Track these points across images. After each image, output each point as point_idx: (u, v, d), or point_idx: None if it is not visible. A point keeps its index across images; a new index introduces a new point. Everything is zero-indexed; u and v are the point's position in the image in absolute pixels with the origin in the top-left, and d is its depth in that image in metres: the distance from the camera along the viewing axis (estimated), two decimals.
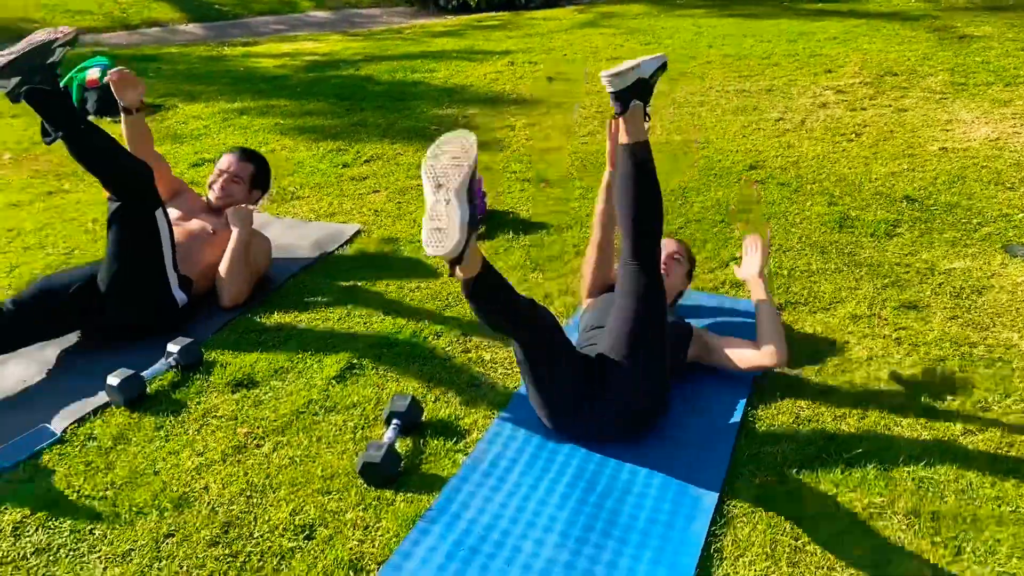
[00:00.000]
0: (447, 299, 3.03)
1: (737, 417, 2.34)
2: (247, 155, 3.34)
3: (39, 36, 2.53)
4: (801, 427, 2.31)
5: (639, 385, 2.17)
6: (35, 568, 1.87)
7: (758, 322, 2.47)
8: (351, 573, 1.85)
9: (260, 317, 2.94)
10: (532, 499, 2.06)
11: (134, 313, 2.78)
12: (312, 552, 1.91)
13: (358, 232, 3.63)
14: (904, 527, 1.96)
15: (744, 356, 2.43)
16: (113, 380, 2.41)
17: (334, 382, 2.55)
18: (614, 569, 1.85)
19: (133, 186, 2.68)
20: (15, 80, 2.41)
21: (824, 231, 3.52)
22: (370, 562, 1.88)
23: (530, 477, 2.13)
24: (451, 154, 1.90)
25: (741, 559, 1.88)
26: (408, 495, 2.08)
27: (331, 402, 2.45)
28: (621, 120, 2.21)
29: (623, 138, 2.21)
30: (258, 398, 2.48)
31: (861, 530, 1.96)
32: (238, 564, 1.88)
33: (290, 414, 2.40)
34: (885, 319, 2.84)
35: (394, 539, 1.94)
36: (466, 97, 5.92)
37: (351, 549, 1.91)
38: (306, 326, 2.88)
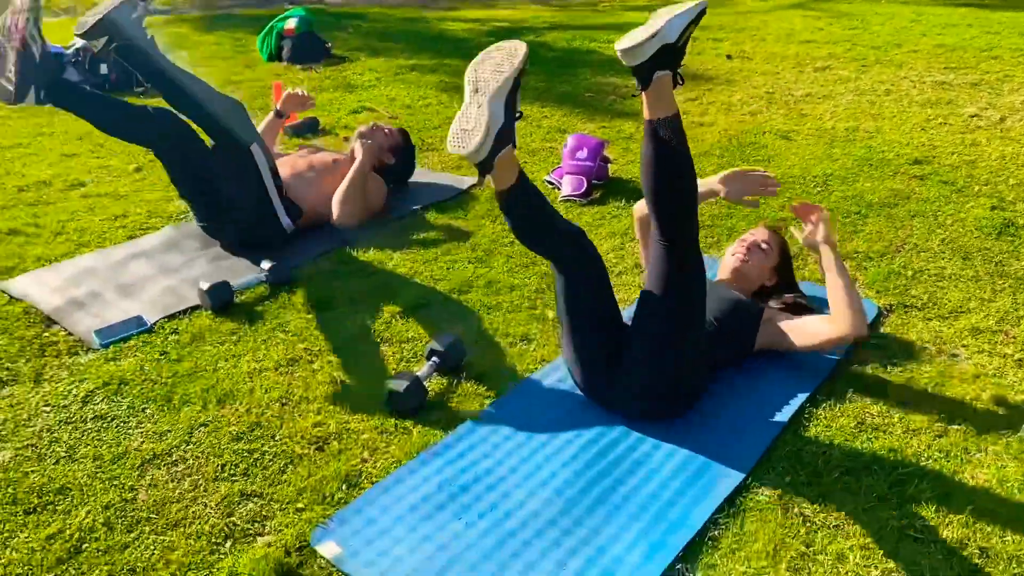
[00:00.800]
0: (534, 257, 3.01)
1: (791, 411, 2.14)
2: (405, 133, 3.63)
3: None
4: (861, 434, 2.07)
5: (648, 371, 2.04)
6: (89, 431, 2.10)
7: (829, 291, 2.26)
8: (344, 486, 1.91)
9: (357, 251, 3.08)
10: (539, 453, 2.01)
11: (239, 232, 3.02)
12: (317, 461, 1.99)
13: (474, 185, 3.68)
14: (941, 557, 1.71)
15: (817, 331, 2.23)
16: (203, 285, 2.64)
17: (398, 316, 2.62)
18: (595, 535, 1.77)
19: (226, 126, 2.88)
20: (103, 40, 2.64)
21: (976, 236, 3.11)
22: (365, 480, 1.93)
23: (545, 434, 2.08)
24: (495, 61, 1.88)
25: (737, 553, 1.73)
26: (425, 428, 2.11)
27: (388, 334, 2.53)
28: (644, 94, 1.92)
29: (646, 112, 1.95)
30: (327, 320, 2.61)
31: (888, 551, 1.74)
32: (251, 460, 2.00)
33: (348, 339, 2.51)
34: (1013, 338, 2.47)
35: (395, 464, 1.98)
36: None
37: (353, 466, 1.98)
38: (394, 264, 2.98)
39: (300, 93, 3.48)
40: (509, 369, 2.37)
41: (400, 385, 2.14)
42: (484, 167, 1.86)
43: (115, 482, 1.92)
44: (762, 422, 2.11)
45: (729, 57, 6.12)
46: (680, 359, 2.05)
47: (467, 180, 3.73)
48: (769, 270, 2.49)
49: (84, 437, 2.08)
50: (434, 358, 2.32)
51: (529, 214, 2.00)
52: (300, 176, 3.20)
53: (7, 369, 2.34)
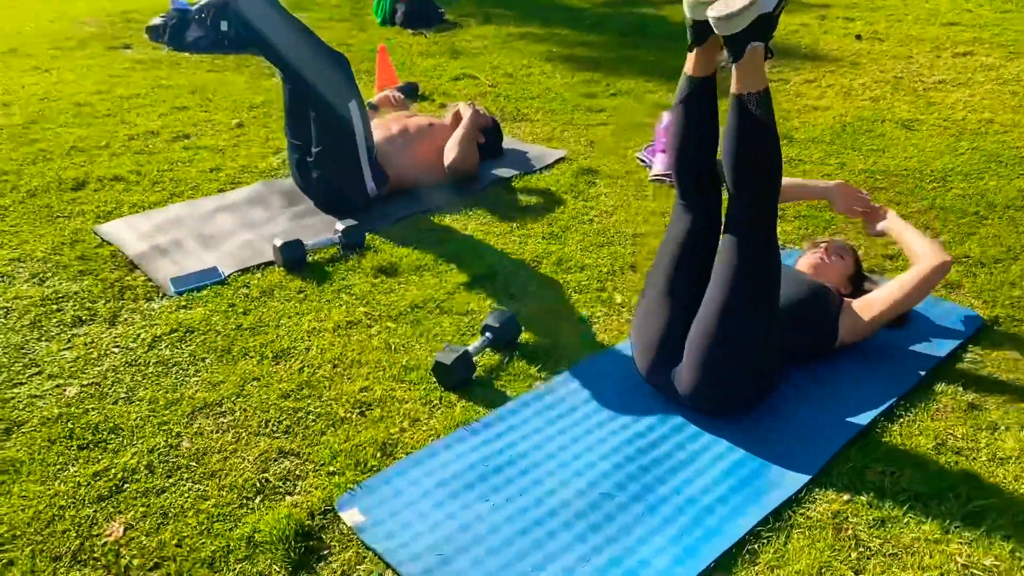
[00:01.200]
0: (611, 236, 2.90)
1: (864, 422, 1.97)
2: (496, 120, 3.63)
3: None
4: (940, 456, 1.88)
5: (715, 360, 1.91)
6: (150, 375, 2.17)
7: (903, 243, 2.36)
8: (378, 453, 1.90)
9: (434, 218, 3.06)
10: (580, 442, 1.93)
11: (324, 191, 3.06)
12: (358, 426, 1.99)
13: (561, 159, 3.59)
14: None
15: (902, 282, 2.21)
16: (277, 242, 2.68)
17: (461, 288, 2.58)
18: (625, 534, 1.68)
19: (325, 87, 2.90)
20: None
21: None
22: (400, 450, 1.91)
23: (591, 421, 2.00)
24: None
25: (776, 571, 1.61)
26: (469, 403, 2.07)
27: (448, 305, 2.50)
28: (734, 67, 1.79)
29: (734, 86, 1.80)
30: (391, 287, 2.60)
31: None
32: (295, 418, 2.02)
33: (408, 306, 2.49)
34: None
35: (433, 437, 1.95)
36: None
37: (391, 434, 1.96)
38: (469, 233, 2.94)
39: (397, 97, 3.59)
40: (566, 351, 2.29)
41: (447, 358, 2.10)
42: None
43: (164, 427, 1.98)
44: (830, 431, 1.95)
45: (859, 38, 5.72)
46: (751, 346, 1.92)
47: (555, 153, 3.64)
48: (845, 278, 2.37)
49: (144, 380, 2.15)
50: (488, 333, 2.26)
51: (704, 114, 1.95)
52: (392, 141, 3.20)
53: (87, 309, 2.45)
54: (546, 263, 2.73)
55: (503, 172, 3.45)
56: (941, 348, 2.25)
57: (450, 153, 3.29)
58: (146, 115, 4.16)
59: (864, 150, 3.68)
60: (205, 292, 2.56)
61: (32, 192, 3.22)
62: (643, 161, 3.53)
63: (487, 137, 3.51)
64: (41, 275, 2.62)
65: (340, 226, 2.82)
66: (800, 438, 1.93)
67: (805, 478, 1.81)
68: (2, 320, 2.39)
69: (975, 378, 2.14)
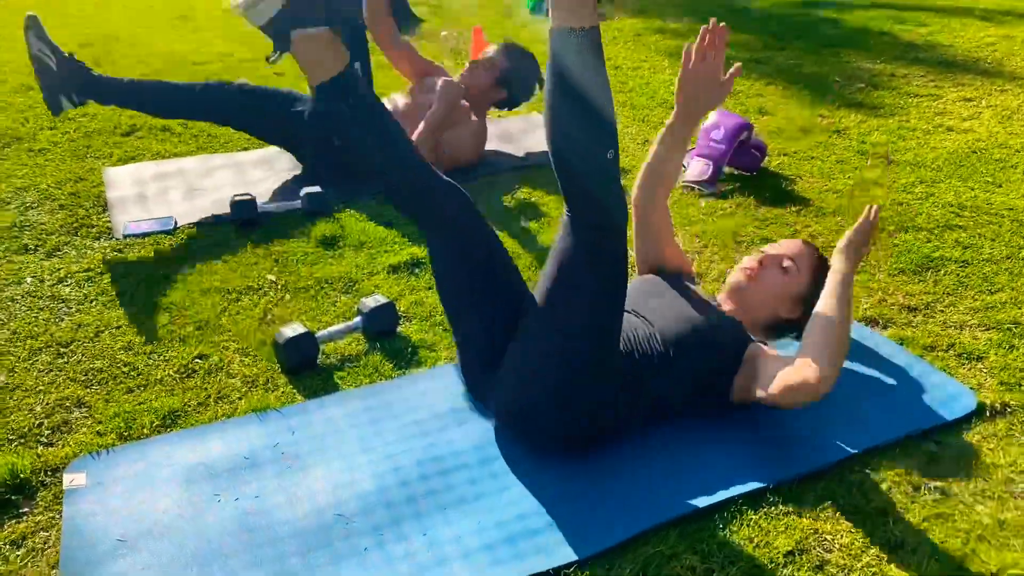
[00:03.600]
0: None
1: (713, 502, 1.52)
2: (510, 50, 3.20)
3: None
4: (796, 562, 1.40)
5: (524, 387, 1.56)
6: (36, 308, 2.19)
7: (812, 318, 1.61)
8: (157, 422, 1.76)
9: None
10: (366, 455, 1.66)
11: (313, 155, 2.98)
12: (162, 390, 1.86)
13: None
14: None
15: (779, 377, 1.56)
16: (234, 198, 2.63)
17: (387, 270, 2.38)
18: (331, 570, 1.41)
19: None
20: None
21: None
22: (183, 423, 1.76)
23: (395, 435, 1.71)
24: None
25: None
26: (293, 389, 1.88)
27: (361, 285, 2.30)
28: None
29: (551, 19, 1.41)
30: (319, 257, 2.45)
31: None
32: (116, 371, 1.93)
33: (318, 280, 2.33)
34: None
35: (226, 416, 1.78)
36: (922, 57, 4.68)
37: (187, 405, 1.81)
38: None
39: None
40: (438, 353, 2.01)
41: (282, 337, 1.91)
42: (275, 39, 1.58)
43: (3, 357, 1.98)
44: (656, 508, 1.52)
45: (889, 160, 4.67)
46: (568, 383, 1.55)
47: None
48: (790, 299, 1.80)
49: (26, 312, 2.17)
50: (358, 318, 2.05)
51: (356, 115, 1.66)
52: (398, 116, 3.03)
53: (38, 239, 2.54)
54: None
55: (523, 161, 3.17)
56: (891, 426, 1.70)
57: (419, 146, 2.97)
58: (245, 74, 4.31)
59: (972, 181, 2.96)
60: (148, 240, 2.56)
61: (88, 132, 3.44)
62: (684, 165, 3.09)
63: (507, 84, 3.16)
64: (28, 204, 2.77)
65: (304, 191, 2.72)
66: (606, 509, 1.52)
67: (573, 557, 1.41)
68: None
69: (938, 478, 1.59)
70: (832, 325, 1.55)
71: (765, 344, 1.76)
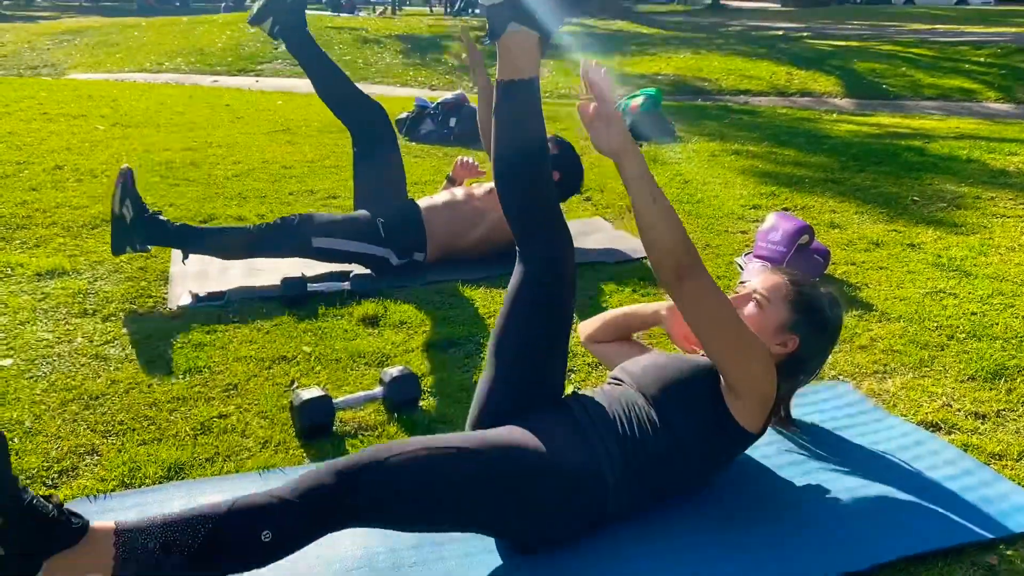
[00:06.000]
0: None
1: None
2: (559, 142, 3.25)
3: None
4: None
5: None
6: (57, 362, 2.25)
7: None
8: (173, 472, 1.73)
9: (467, 287, 2.86)
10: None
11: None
12: (173, 446, 1.84)
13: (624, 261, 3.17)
14: None
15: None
16: (286, 278, 2.70)
17: (422, 348, 2.35)
18: None
19: (367, 121, 2.89)
20: (269, 21, 2.82)
21: None
22: (189, 474, 1.73)
23: None
24: None
25: None
26: (297, 453, 1.83)
27: (394, 360, 2.27)
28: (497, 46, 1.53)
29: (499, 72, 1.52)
30: (356, 334, 2.45)
31: None
32: (138, 424, 1.93)
33: (350, 354, 2.31)
34: None
35: (236, 471, 1.74)
36: (1012, 183, 4.51)
37: (195, 457, 1.78)
38: (467, 307, 2.69)
39: (469, 161, 3.34)
40: (459, 426, 1.93)
41: (298, 399, 1.88)
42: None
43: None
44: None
45: None
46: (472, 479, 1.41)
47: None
48: (772, 331, 1.64)
49: (68, 369, 2.23)
50: (378, 388, 2.00)
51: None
52: (444, 208, 3.07)
53: (98, 305, 2.64)
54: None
55: (598, 256, 3.19)
56: (948, 533, 1.50)
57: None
58: (325, 177, 4.52)
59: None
60: (197, 311, 2.62)
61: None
62: (740, 266, 2.99)
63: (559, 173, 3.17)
64: (99, 276, 2.90)
65: (353, 273, 2.77)
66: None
67: None
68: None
69: None
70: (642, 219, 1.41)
71: None
